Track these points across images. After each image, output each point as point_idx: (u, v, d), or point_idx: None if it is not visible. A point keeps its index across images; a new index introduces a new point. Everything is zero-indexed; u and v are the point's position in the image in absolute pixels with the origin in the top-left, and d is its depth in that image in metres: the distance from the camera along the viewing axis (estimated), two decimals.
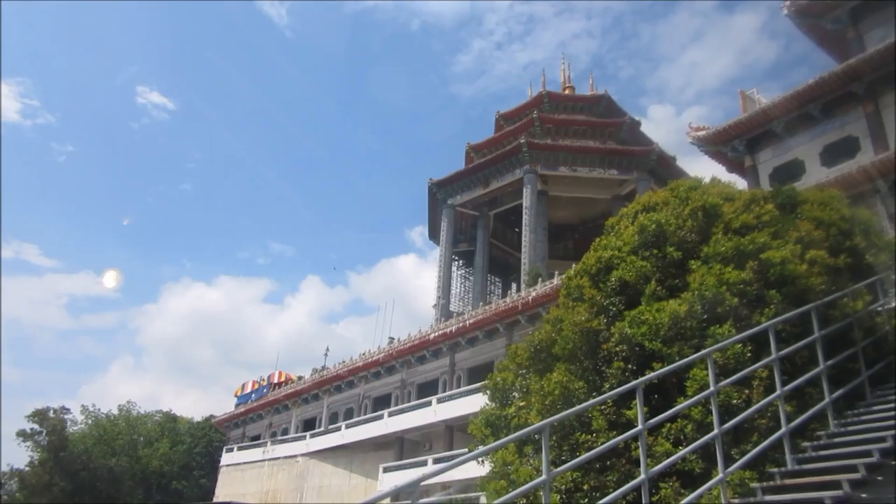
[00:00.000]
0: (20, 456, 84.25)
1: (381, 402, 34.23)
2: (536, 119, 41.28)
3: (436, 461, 26.52)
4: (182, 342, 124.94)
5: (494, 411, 8.75)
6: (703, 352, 6.08)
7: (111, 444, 52.01)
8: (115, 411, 58.18)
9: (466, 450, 24.33)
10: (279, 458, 37.84)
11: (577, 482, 7.20)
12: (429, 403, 28.84)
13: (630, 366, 7.45)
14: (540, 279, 27.45)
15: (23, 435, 48.37)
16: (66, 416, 50.23)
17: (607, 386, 7.56)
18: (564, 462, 6.74)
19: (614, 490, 6.08)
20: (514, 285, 47.45)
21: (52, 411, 49.03)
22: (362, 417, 33.59)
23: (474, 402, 25.97)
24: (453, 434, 28.62)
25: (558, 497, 6.80)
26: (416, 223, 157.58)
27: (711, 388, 5.39)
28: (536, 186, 38.83)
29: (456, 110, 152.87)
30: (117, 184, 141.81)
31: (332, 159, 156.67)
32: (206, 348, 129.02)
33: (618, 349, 7.60)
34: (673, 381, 7.13)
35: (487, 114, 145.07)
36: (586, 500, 6.84)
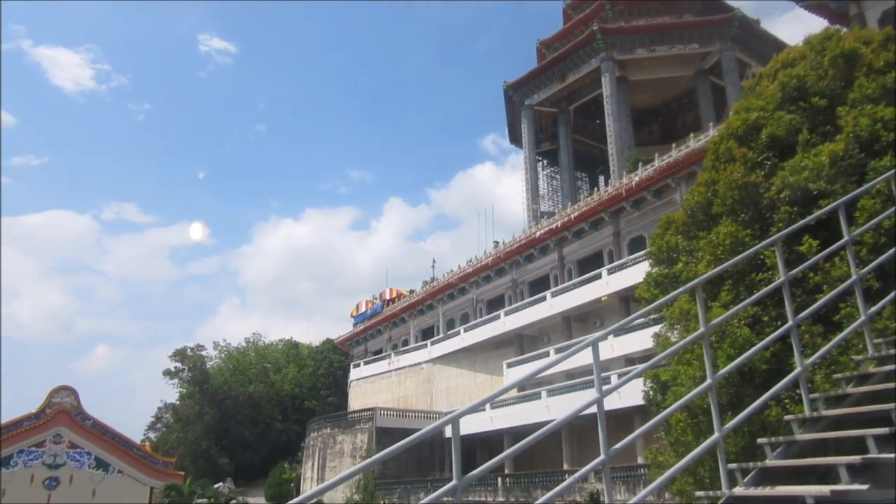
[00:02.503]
0: (163, 394, 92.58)
1: (495, 304, 35.76)
2: (606, 3, 40.09)
3: (557, 351, 28.09)
4: (281, 278, 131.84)
5: (661, 272, 9.73)
6: (876, 179, 6.77)
7: (245, 373, 57.00)
8: (244, 344, 63.35)
9: (585, 337, 25.67)
10: (405, 366, 40.45)
11: (756, 316, 8.19)
12: (544, 298, 30.14)
13: (795, 208, 8.23)
14: (641, 164, 27.70)
15: (168, 374, 53.78)
16: (202, 353, 55.22)
17: (774, 230, 8.35)
18: (743, 300, 7.71)
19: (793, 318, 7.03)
20: (601, 178, 47.51)
21: (188, 350, 54.01)
22: (479, 320, 35.29)
23: (590, 291, 27.21)
24: (571, 325, 29.96)
25: (748, 331, 7.79)
26: (488, 131, 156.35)
27: None
28: (615, 73, 38.16)
29: (515, 8, 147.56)
30: (196, 133, 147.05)
31: (394, 79, 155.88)
32: (304, 280, 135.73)
33: (781, 195, 8.36)
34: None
35: (550, 8, 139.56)
36: (769, 329, 7.81)
